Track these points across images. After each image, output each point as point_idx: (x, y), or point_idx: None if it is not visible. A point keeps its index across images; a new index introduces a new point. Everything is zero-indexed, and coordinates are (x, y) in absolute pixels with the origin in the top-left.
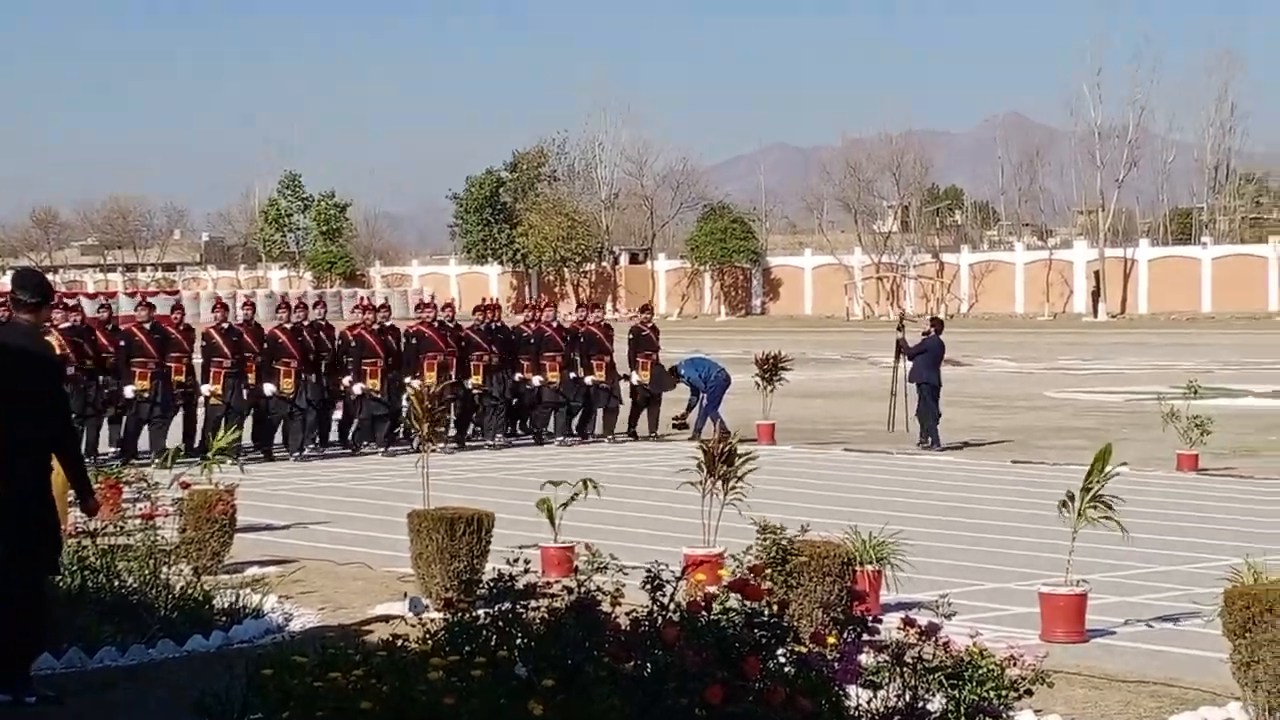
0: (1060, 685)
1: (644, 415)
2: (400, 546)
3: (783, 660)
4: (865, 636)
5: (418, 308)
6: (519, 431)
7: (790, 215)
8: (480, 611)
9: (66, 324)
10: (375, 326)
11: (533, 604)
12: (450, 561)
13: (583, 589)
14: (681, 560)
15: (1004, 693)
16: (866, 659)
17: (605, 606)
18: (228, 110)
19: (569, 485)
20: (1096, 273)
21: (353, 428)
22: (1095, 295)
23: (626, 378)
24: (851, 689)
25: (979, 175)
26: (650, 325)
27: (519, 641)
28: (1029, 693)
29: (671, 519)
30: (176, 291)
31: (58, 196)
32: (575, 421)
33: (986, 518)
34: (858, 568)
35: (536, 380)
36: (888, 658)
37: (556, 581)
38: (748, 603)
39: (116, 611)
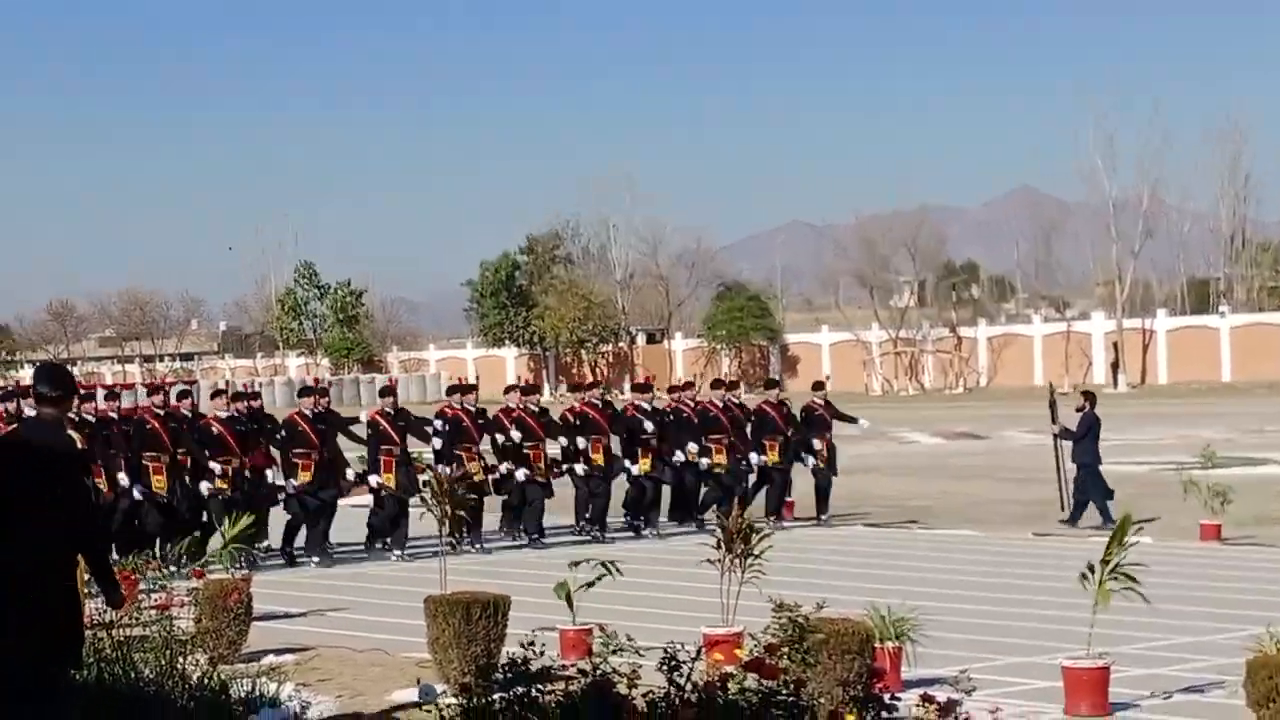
0: None
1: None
2: (419, 632)
3: None
4: (884, 714)
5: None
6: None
7: (806, 292)
8: (497, 696)
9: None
10: (470, 409)
11: (549, 687)
12: (467, 646)
13: (599, 671)
14: (700, 640)
15: None
16: None
17: (622, 688)
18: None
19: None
20: (1115, 344)
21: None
22: (1114, 366)
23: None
24: None
25: (994, 249)
26: (825, 403)
27: None
28: None
29: (690, 599)
30: (194, 381)
31: (73, 287)
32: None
33: (1008, 591)
34: (877, 644)
35: (705, 462)
36: None
37: (573, 664)
38: (765, 682)
39: (134, 704)
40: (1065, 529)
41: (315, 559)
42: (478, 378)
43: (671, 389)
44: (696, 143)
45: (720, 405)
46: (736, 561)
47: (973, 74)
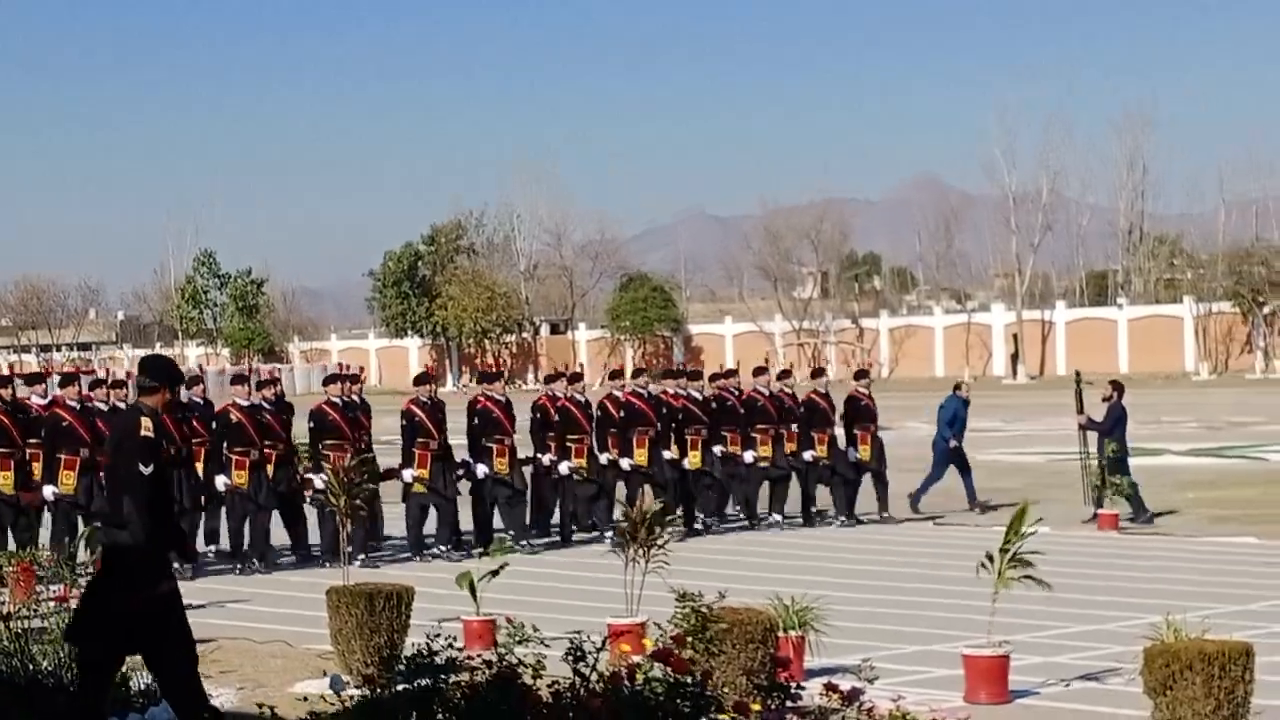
0: None
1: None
2: (321, 624)
3: None
4: (788, 703)
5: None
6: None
7: (710, 283)
8: (400, 687)
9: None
10: (500, 399)
11: (453, 678)
12: (370, 637)
13: (504, 662)
14: (605, 630)
15: None
16: None
17: (527, 679)
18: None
19: (493, 558)
20: (1015, 335)
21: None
22: (1014, 357)
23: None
24: None
25: (897, 241)
26: (869, 394)
27: (439, 717)
28: None
29: (595, 589)
30: (91, 371)
31: None
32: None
33: (910, 580)
34: (780, 633)
35: (749, 456)
36: None
37: (478, 655)
38: (672, 673)
39: (32, 695)
40: (1138, 526)
41: (328, 562)
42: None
43: (713, 376)
44: (601, 134)
45: (767, 394)
46: (640, 552)
47: (878, 66)
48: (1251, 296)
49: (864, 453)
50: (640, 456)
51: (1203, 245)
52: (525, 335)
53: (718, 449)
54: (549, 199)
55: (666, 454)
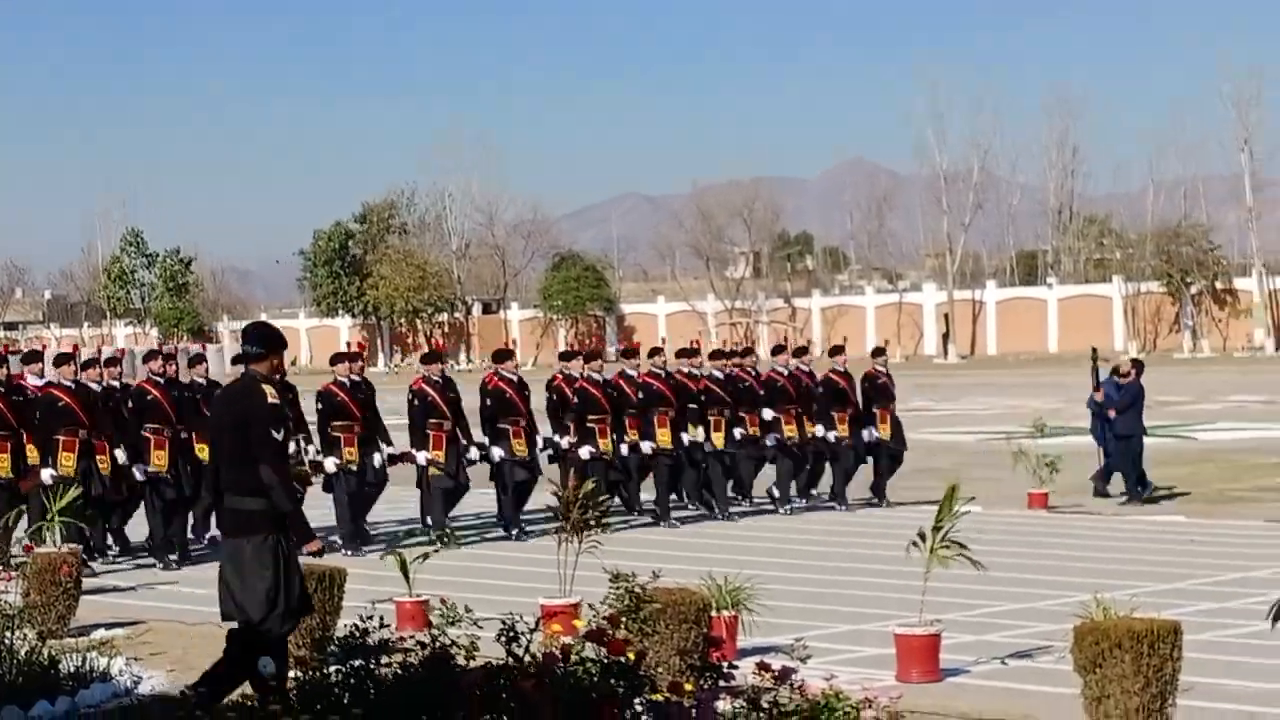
0: None
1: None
2: None
3: (640, 709)
4: (721, 683)
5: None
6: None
7: (642, 263)
8: (333, 669)
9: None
10: (513, 378)
11: (385, 660)
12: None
13: (436, 643)
14: (538, 611)
15: None
16: (723, 705)
17: (460, 660)
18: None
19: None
20: (946, 315)
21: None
22: (945, 337)
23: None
24: None
25: (828, 221)
26: (886, 371)
27: (372, 698)
28: None
29: (528, 570)
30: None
31: None
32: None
33: (842, 560)
34: (713, 613)
35: (773, 436)
36: (744, 703)
37: (411, 636)
38: (605, 653)
39: None
40: (1120, 504)
41: (349, 550)
42: (310, 348)
43: (729, 355)
44: (534, 114)
45: (785, 373)
46: (574, 532)
47: (809, 46)
48: (1179, 276)
49: (883, 431)
50: (663, 439)
51: (1132, 225)
52: (457, 315)
53: (738, 431)
54: (481, 178)
55: (687, 436)
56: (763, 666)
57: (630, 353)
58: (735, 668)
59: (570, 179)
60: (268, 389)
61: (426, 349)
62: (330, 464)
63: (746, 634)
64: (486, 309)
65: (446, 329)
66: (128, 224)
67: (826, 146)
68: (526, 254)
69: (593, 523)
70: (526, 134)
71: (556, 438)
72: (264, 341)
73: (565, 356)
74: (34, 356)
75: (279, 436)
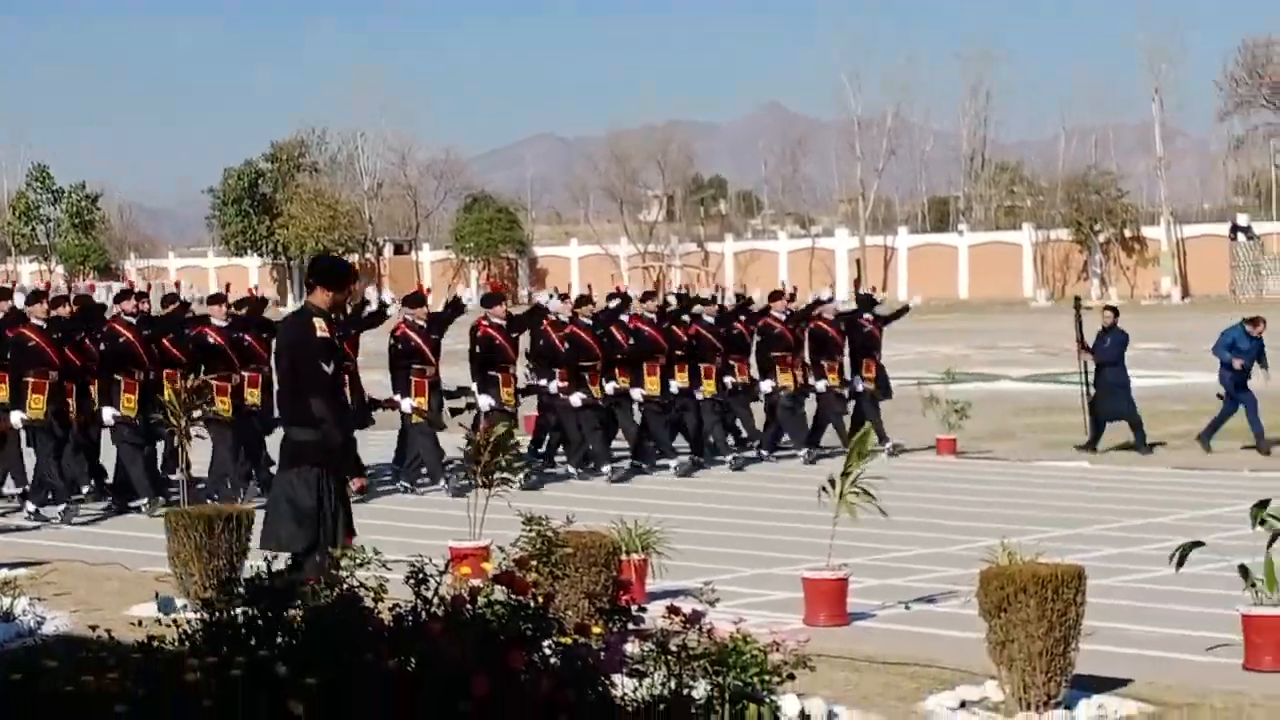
0: (822, 669)
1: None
2: (159, 546)
3: (548, 652)
4: (630, 626)
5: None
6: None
7: (555, 205)
8: (239, 611)
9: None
10: (501, 323)
11: (294, 602)
12: (209, 560)
13: (344, 586)
14: (447, 553)
15: (767, 677)
16: (632, 648)
17: (368, 603)
18: None
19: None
20: (858, 260)
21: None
22: (857, 283)
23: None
24: (617, 678)
25: (743, 166)
26: (874, 319)
27: (280, 640)
28: (791, 677)
29: (437, 512)
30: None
31: None
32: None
33: (751, 504)
34: (623, 557)
35: (767, 385)
36: (653, 646)
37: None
38: (514, 596)
39: None
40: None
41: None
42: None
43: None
44: (447, 53)
45: (783, 320)
46: (484, 476)
47: None
48: (1088, 224)
49: (869, 381)
50: (652, 386)
51: (1043, 173)
52: (368, 255)
53: (728, 380)
54: (393, 118)
55: (674, 384)
56: (672, 610)
57: (492, 298)
58: (644, 610)
59: (485, 119)
60: (318, 321)
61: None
62: (407, 404)
63: (656, 578)
64: (398, 250)
65: (358, 269)
66: (33, 159)
67: (745, 92)
68: (439, 195)
69: (503, 467)
70: (441, 73)
71: (543, 382)
72: (320, 274)
73: (489, 301)
74: (3, 294)
75: (328, 369)
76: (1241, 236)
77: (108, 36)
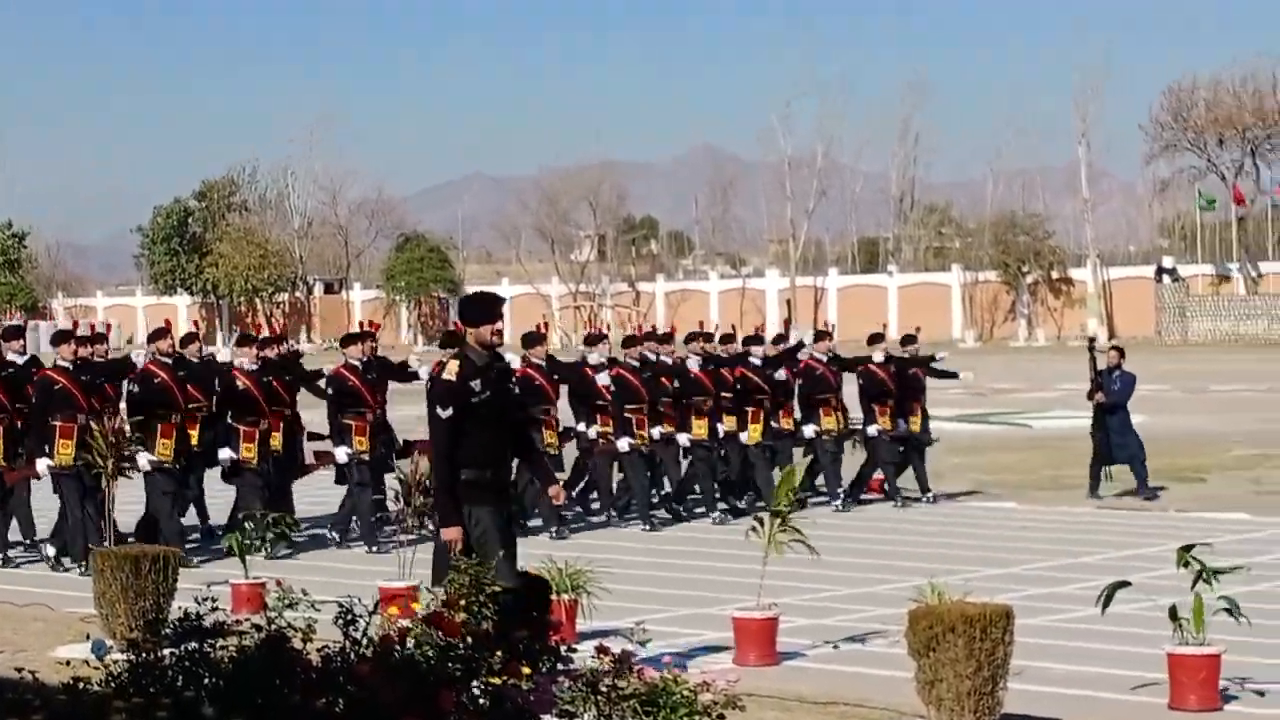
0: (752, 709)
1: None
2: (84, 587)
3: (477, 692)
4: (560, 666)
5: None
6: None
7: (487, 244)
8: (166, 651)
9: None
10: (540, 363)
11: (221, 643)
12: (135, 601)
13: (273, 626)
14: (376, 594)
15: (697, 717)
16: (561, 689)
17: (296, 643)
18: None
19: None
20: (789, 301)
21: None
22: (787, 324)
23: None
24: (546, 719)
25: (674, 206)
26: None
27: (206, 681)
28: (721, 717)
29: (374, 555)
30: None
31: None
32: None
33: (682, 544)
34: (553, 597)
35: (810, 430)
36: (582, 687)
37: (247, 619)
38: (443, 636)
39: None
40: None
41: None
42: (168, 322)
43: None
44: (380, 93)
45: (825, 362)
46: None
47: (657, 30)
48: (1016, 266)
49: (914, 424)
50: (699, 430)
51: (971, 214)
52: (298, 294)
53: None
54: (325, 156)
55: (721, 427)
56: (601, 650)
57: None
58: (574, 650)
59: (417, 159)
60: (450, 365)
61: (266, 330)
62: (342, 454)
63: (586, 618)
64: (329, 289)
65: (287, 309)
66: None
67: (678, 133)
68: (370, 234)
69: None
70: (372, 112)
71: (581, 427)
72: (462, 311)
73: (529, 340)
74: (14, 333)
75: (443, 415)
76: (1166, 279)
77: (41, 72)
